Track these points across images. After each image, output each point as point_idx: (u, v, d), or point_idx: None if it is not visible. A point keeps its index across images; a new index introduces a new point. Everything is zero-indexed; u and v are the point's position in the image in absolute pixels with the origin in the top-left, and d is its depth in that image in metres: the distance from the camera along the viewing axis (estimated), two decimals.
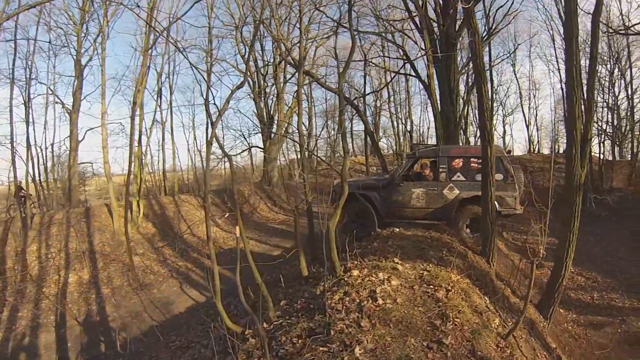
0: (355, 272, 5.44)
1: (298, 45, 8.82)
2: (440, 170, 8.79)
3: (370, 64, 16.46)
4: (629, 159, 19.90)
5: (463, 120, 17.01)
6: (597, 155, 19.28)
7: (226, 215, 15.40)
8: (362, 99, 20.59)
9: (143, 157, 15.99)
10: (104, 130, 14.07)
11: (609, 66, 19.06)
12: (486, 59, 19.23)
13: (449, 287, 5.15)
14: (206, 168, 4.79)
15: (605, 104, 19.47)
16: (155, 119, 18.41)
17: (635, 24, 15.75)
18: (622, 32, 14.35)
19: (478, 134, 25.79)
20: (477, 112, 8.05)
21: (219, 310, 5.07)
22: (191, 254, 13.47)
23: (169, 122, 18.89)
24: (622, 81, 19.25)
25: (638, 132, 18.64)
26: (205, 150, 16.22)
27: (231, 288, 10.04)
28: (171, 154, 19.36)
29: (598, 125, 19.29)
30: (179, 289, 10.78)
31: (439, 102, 12.68)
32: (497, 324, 5.00)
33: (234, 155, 16.27)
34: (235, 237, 14.95)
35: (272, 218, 17.50)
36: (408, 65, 18.52)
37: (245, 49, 17.27)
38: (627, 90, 19.20)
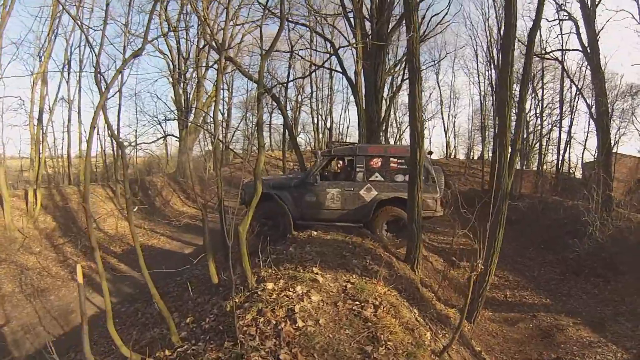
0: (270, 285, 4.57)
1: (223, 29, 7.69)
2: (357, 169, 8.14)
3: (297, 55, 15.65)
4: (534, 168, 21.38)
5: (385, 121, 16.80)
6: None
7: (135, 209, 13.69)
8: (283, 91, 19.70)
9: (43, 139, 13.61)
10: None
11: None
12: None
13: (377, 303, 4.47)
14: (87, 155, 3.60)
15: (514, 118, 20.46)
16: (62, 96, 15.95)
17: (552, 51, 16.95)
18: (539, 55, 15.11)
19: (398, 136, 26.26)
20: (408, 112, 7.61)
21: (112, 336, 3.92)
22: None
23: (77, 102, 16.17)
24: (534, 99, 20.45)
25: (544, 146, 20.02)
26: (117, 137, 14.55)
27: (140, 292, 8.85)
28: (78, 137, 16.72)
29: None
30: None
31: (364, 100, 12.19)
32: (429, 338, 4.54)
33: (147, 143, 14.78)
34: (146, 233, 13.57)
35: (185, 212, 15.94)
36: (335, 61, 18.00)
37: (168, 28, 15.60)
38: (537, 108, 20.48)
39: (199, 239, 12.42)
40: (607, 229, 11.98)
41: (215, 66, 16.00)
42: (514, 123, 7.56)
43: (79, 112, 16.09)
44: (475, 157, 29.03)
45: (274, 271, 5.19)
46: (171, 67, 17.27)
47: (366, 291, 4.69)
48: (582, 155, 20.83)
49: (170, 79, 17.25)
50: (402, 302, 5.09)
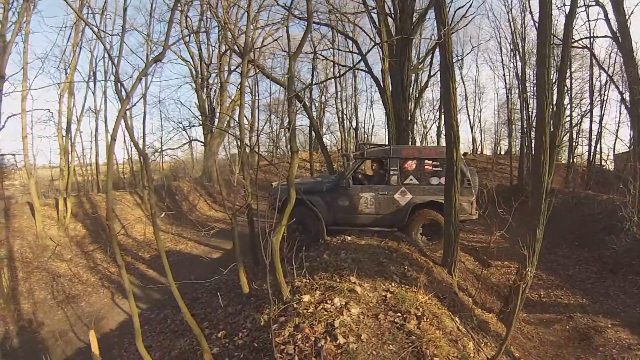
0: (306, 297, 4.31)
1: (245, 32, 7.49)
2: (392, 172, 7.80)
3: (320, 56, 15.33)
4: (564, 162, 20.51)
5: (412, 120, 16.33)
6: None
7: (162, 215, 13.68)
8: (307, 92, 19.34)
9: (72, 149, 13.71)
10: (24, 117, 11.74)
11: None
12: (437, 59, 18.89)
13: (419, 313, 4.17)
14: (108, 166, 3.43)
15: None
16: (89, 107, 16.09)
17: (580, 39, 16.14)
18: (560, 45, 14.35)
19: (424, 134, 25.63)
20: (442, 111, 7.21)
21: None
22: (125, 257, 11.62)
23: (104, 111, 16.28)
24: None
25: (574, 137, 19.12)
26: (141, 143, 14.53)
27: (169, 298, 8.74)
28: (105, 146, 16.86)
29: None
30: (110, 301, 9.17)
31: (391, 99, 11.81)
32: (472, 349, 4.23)
33: (173, 149, 14.77)
34: (173, 238, 13.54)
35: (212, 216, 15.93)
36: (358, 60, 17.60)
37: (189, 36, 15.56)
38: (565, 99, 19.53)
39: (226, 243, 12.30)
40: None
41: (239, 69, 15.85)
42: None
43: (105, 122, 16.19)
44: (502, 152, 28.16)
45: (308, 281, 4.93)
46: (193, 73, 17.31)
47: (407, 301, 4.39)
48: (614, 146, 19.93)
49: (194, 85, 17.30)
50: (443, 311, 4.77)
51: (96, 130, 16.47)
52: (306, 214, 7.53)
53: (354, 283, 4.68)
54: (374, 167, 8.55)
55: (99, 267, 10.83)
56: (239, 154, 6.31)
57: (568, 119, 19.20)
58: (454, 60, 20.92)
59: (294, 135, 4.93)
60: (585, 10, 16.04)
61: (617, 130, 19.01)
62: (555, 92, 6.51)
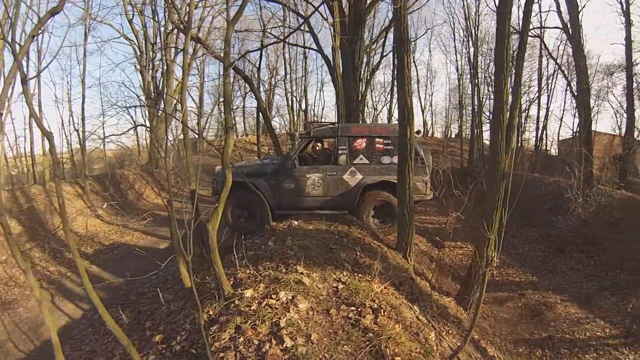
0: (249, 292, 3.73)
1: (189, 5, 6.63)
2: (340, 152, 7.18)
3: (270, 34, 14.39)
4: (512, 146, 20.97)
5: (363, 101, 15.88)
6: (487, 141, 20.04)
7: (104, 206, 12.53)
8: (256, 74, 18.49)
9: (1, 139, 12.21)
10: None
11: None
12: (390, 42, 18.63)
13: (375, 306, 3.69)
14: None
15: (492, 97, 20.11)
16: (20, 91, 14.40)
17: (532, 28, 16.35)
18: (519, 32, 14.49)
19: (375, 116, 25.40)
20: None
21: None
22: (66, 254, 10.51)
23: (39, 95, 14.59)
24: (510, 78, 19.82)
25: (522, 124, 19.56)
26: (81, 129, 13.27)
27: (114, 295, 7.96)
28: (40, 134, 15.20)
29: (486, 115, 19.92)
30: (50, 304, 8.13)
31: (341, 79, 11.26)
32: (434, 339, 3.85)
33: (117, 135, 13.54)
34: (118, 230, 12.49)
35: (159, 204, 14.66)
36: (308, 40, 16.74)
37: (133, 12, 14.18)
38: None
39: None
40: (589, 206, 11.68)
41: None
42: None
43: (39, 107, 14.53)
44: (453, 135, 28.54)
45: (252, 272, 4.35)
46: (138, 53, 15.86)
47: (361, 292, 3.91)
48: (559, 133, 20.61)
49: (138, 66, 15.92)
50: (401, 300, 4.33)
51: (30, 116, 14.74)
52: (251, 198, 6.86)
53: (302, 273, 4.14)
54: (320, 147, 7.97)
55: (37, 266, 9.73)
56: (184, 138, 5.52)
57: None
58: (412, 40, 20.65)
59: (229, 109, 4.27)
60: (538, 2, 16.28)
61: (562, 118, 19.64)
62: (513, 74, 6.27)
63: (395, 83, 22.64)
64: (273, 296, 3.60)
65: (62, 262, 10.19)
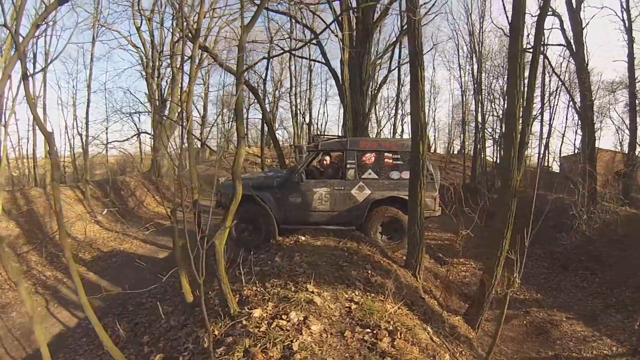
0: (257, 312, 3.52)
1: (197, 14, 6.52)
2: (348, 166, 6.98)
3: (276, 46, 14.34)
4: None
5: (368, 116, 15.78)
6: (490, 158, 20.03)
7: (104, 212, 12.29)
8: (261, 85, 18.33)
9: (4, 139, 12.00)
10: None
11: (505, 80, 19.63)
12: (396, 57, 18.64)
13: (391, 327, 3.49)
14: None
15: (495, 113, 20.13)
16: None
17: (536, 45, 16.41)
18: (525, 50, 14.55)
19: (378, 132, 25.33)
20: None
21: None
22: (63, 259, 10.17)
23: (44, 98, 14.43)
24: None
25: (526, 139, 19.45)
26: (84, 134, 13.12)
27: (111, 304, 7.72)
28: (43, 137, 14.98)
29: (489, 132, 19.90)
30: (44, 309, 7.93)
31: (349, 93, 11.14)
32: (448, 359, 3.68)
33: (120, 141, 13.35)
34: (117, 237, 12.24)
35: (160, 213, 14.51)
36: (314, 53, 16.63)
37: (141, 20, 14.12)
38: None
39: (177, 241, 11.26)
40: (593, 223, 11.55)
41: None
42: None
43: (44, 110, 14.39)
44: (455, 152, 28.53)
45: (259, 289, 4.14)
46: (144, 61, 15.85)
47: (375, 312, 3.71)
48: (560, 149, 20.55)
49: (144, 73, 15.83)
50: (415, 321, 4.13)
51: (34, 119, 14.52)
52: (256, 211, 6.65)
53: (312, 292, 3.93)
54: (327, 161, 7.79)
55: (33, 270, 9.47)
56: (187, 147, 5.32)
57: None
58: (408, 60, 20.71)
59: (242, 118, 4.08)
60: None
61: (563, 134, 19.65)
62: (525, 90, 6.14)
63: (401, 98, 22.82)
64: (283, 317, 3.40)
65: (59, 267, 9.89)
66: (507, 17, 5.93)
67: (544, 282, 10.50)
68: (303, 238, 6.32)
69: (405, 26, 13.95)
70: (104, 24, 12.81)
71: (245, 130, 26.69)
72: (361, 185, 6.91)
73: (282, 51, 13.64)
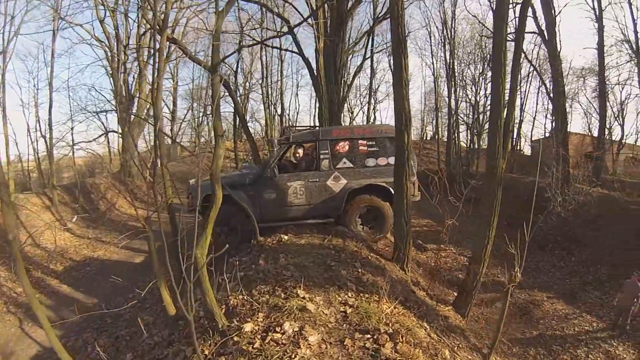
0: (248, 326, 3.21)
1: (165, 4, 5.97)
2: (322, 156, 6.65)
3: (247, 36, 13.66)
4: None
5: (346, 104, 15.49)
6: (463, 143, 20.20)
7: (74, 219, 11.58)
8: (232, 77, 17.85)
9: None
10: None
11: (477, 66, 19.82)
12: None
13: (390, 330, 3.27)
14: None
15: (467, 99, 20.31)
16: None
17: (510, 33, 16.54)
18: (491, 37, 14.61)
19: (350, 121, 25.13)
20: (392, 91, 6.28)
21: None
22: (34, 273, 9.54)
23: (3, 99, 13.26)
24: (483, 80, 20.02)
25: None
26: (48, 136, 12.22)
27: (88, 318, 7.22)
28: (4, 140, 13.92)
29: (462, 118, 20.06)
30: (18, 330, 7.39)
31: (323, 82, 10.80)
32: (449, 356, 3.56)
33: (87, 142, 12.56)
34: (90, 244, 11.56)
35: (133, 215, 13.63)
36: (285, 43, 16.19)
37: (105, 12, 13.15)
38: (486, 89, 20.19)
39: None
40: (567, 204, 11.78)
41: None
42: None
43: (3, 111, 13.29)
44: (428, 138, 28.62)
45: (246, 298, 3.84)
46: (109, 55, 14.89)
47: (372, 315, 3.47)
48: (532, 133, 20.96)
49: (109, 69, 14.94)
50: (412, 320, 3.94)
51: None
52: (230, 212, 6.24)
53: (304, 298, 3.66)
54: (300, 153, 7.45)
55: (3, 287, 8.78)
56: (156, 145, 4.84)
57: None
58: (383, 49, 20.37)
59: (219, 115, 3.70)
60: (513, 8, 16.50)
61: (534, 119, 20.04)
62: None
63: (374, 86, 22.62)
64: (277, 329, 3.12)
65: (30, 281, 8.90)
66: (482, 4, 5.76)
67: (524, 263, 10.67)
68: (286, 237, 6.00)
69: (381, 14, 13.76)
70: (64, 18, 11.89)
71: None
72: (336, 175, 6.61)
73: (254, 42, 13.09)
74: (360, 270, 4.72)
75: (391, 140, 6.45)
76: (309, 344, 2.93)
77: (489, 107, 20.12)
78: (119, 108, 14.01)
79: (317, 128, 7.32)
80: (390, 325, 3.41)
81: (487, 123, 20.74)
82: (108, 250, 10.99)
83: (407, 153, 5.46)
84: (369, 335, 3.17)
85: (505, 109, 5.73)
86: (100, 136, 14.81)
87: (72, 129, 13.54)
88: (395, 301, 3.97)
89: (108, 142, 16.72)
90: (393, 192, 6.21)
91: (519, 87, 18.91)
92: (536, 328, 8.06)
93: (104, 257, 10.60)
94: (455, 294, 7.94)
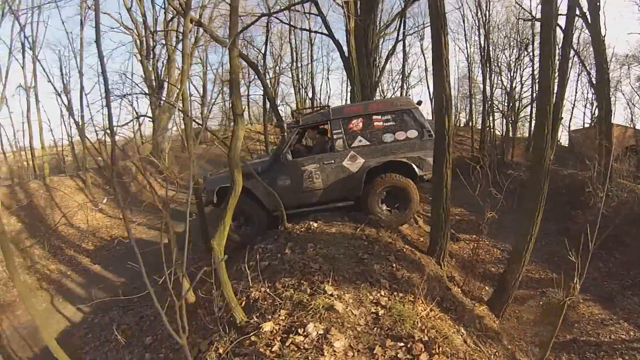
0: (268, 326, 2.85)
1: None
2: (335, 136, 6.11)
3: (274, 18, 13.13)
4: (525, 136, 20.24)
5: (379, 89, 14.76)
6: (498, 131, 19.19)
7: (104, 200, 11.64)
8: (261, 61, 17.28)
9: None
10: None
11: (513, 51, 18.65)
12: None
13: (425, 338, 2.82)
14: None
15: (502, 86, 19.21)
16: (20, 84, 13.44)
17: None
18: (536, 19, 13.59)
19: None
20: (432, 73, 5.67)
21: None
22: (67, 251, 9.80)
23: (35, 88, 13.59)
24: (519, 65, 18.84)
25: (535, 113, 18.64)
26: (80, 122, 12.32)
27: (116, 295, 7.28)
28: (39, 127, 14.30)
29: (495, 105, 19.07)
30: (49, 305, 7.53)
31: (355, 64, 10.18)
32: None
33: (119, 126, 12.46)
34: (121, 224, 11.64)
35: (163, 196, 13.80)
36: (315, 25, 15.74)
37: (132, 1, 13.08)
38: (520, 76, 19.04)
39: (178, 225, 10.87)
40: (610, 200, 10.85)
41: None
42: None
43: (36, 99, 13.56)
44: (461, 124, 27.25)
45: (269, 292, 3.48)
46: (138, 43, 14.87)
47: (407, 319, 3.04)
48: (570, 123, 19.67)
49: (138, 56, 14.90)
50: (448, 324, 3.48)
51: (28, 109, 13.77)
52: (244, 202, 5.71)
53: (331, 295, 3.25)
54: (315, 136, 6.94)
55: (37, 265, 9.02)
56: (186, 129, 4.55)
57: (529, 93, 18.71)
58: (414, 31, 19.42)
59: (238, 92, 3.27)
60: None
61: (573, 107, 18.77)
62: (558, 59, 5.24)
63: (406, 70, 21.70)
64: (299, 330, 2.74)
65: (63, 259, 9.42)
66: None
67: (559, 261, 9.91)
68: (315, 224, 5.54)
69: None
70: (91, 7, 11.79)
71: (245, 107, 25.68)
72: (352, 154, 6.04)
73: (281, 22, 12.60)
74: (394, 265, 4.23)
75: (408, 113, 5.93)
76: (334, 351, 2.53)
77: (525, 94, 19.05)
78: (149, 93, 13.93)
79: (328, 107, 6.72)
80: (425, 331, 2.97)
81: (522, 111, 19.73)
82: (138, 230, 10.99)
83: (447, 139, 4.89)
84: (402, 344, 2.74)
85: (555, 94, 5.05)
86: (131, 120, 14.90)
87: (102, 114, 13.59)
88: (431, 302, 3.52)
89: (139, 126, 16.76)
90: (415, 168, 5.73)
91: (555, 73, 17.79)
92: (570, 332, 7.43)
93: (135, 236, 10.65)
94: (488, 288, 7.33)
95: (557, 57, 5.03)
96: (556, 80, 5.01)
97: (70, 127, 14.73)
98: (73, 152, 15.22)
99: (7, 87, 12.33)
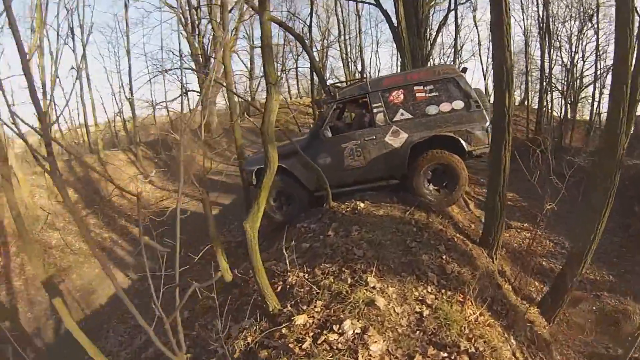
0: (301, 319, 2.61)
1: None
2: (375, 110, 5.61)
3: None
4: (585, 119, 18.48)
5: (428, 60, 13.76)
6: (556, 112, 17.62)
7: (153, 173, 11.97)
8: (307, 34, 16.65)
9: (50, 111, 12.05)
10: None
11: (575, 23, 16.79)
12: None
13: (472, 349, 2.48)
14: None
15: (561, 62, 17.47)
16: (72, 66, 14.16)
17: None
18: None
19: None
20: (491, 40, 5.00)
21: None
22: (118, 221, 10.35)
23: (86, 69, 14.43)
24: (580, 40, 16.93)
25: (598, 93, 16.77)
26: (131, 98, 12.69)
27: (162, 264, 7.48)
28: (91, 104, 15.06)
29: (554, 83, 17.42)
30: (101, 271, 7.88)
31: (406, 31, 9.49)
32: None
33: (169, 101, 12.74)
34: (170, 196, 12.02)
35: (212, 169, 14.12)
36: None
37: None
38: (582, 51, 17.09)
39: (226, 197, 11.05)
40: None
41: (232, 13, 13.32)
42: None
43: (88, 80, 14.26)
44: (516, 103, 25.12)
45: (307, 277, 3.25)
46: (182, 20, 14.95)
47: (453, 323, 2.69)
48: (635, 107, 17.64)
49: (184, 33, 15.05)
50: (498, 331, 3.08)
51: (81, 89, 14.56)
52: (286, 181, 5.74)
53: (374, 288, 2.95)
54: (355, 110, 6.47)
55: (92, 233, 9.51)
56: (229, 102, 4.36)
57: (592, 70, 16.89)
58: (466, 1, 18.01)
59: (271, 58, 2.93)
60: None
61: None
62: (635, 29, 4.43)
63: (458, 44, 20.29)
64: (334, 327, 2.48)
65: (115, 228, 9.99)
66: None
67: (617, 262, 8.94)
68: (362, 205, 5.10)
69: None
70: None
71: (295, 81, 24.76)
72: (395, 129, 5.53)
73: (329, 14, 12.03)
74: (444, 256, 3.83)
75: (453, 82, 5.34)
76: (370, 355, 2.25)
77: (587, 73, 17.24)
78: (196, 68, 14.03)
79: (365, 79, 6.17)
80: (472, 340, 2.60)
81: (584, 91, 17.87)
82: (189, 203, 11.39)
83: (507, 117, 4.30)
84: (445, 354, 2.39)
85: (632, 70, 4.19)
86: (179, 96, 15.12)
87: (151, 90, 13.94)
88: (481, 305, 3.13)
89: (188, 101, 17.04)
90: (463, 143, 5.21)
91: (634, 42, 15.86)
92: (623, 346, 6.75)
93: (183, 208, 10.95)
94: (538, 284, 6.90)
95: (636, 24, 4.25)
96: (634, 54, 4.23)
97: (122, 103, 15.33)
98: (125, 127, 15.82)
99: (59, 69, 12.93)
